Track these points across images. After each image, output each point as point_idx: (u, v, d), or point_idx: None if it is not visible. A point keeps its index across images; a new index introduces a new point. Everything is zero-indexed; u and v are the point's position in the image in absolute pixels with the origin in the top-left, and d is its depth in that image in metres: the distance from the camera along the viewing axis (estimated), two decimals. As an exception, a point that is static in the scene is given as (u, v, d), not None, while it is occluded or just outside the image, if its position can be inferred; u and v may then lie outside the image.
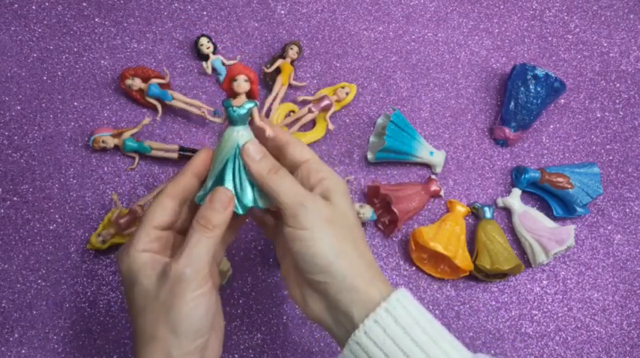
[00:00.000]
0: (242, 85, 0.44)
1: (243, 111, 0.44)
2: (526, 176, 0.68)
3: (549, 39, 0.78)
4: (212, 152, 0.46)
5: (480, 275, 0.65)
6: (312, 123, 0.71)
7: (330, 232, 0.41)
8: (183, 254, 0.41)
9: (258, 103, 0.45)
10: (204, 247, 0.41)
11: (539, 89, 0.69)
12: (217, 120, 0.66)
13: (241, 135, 0.44)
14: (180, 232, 0.46)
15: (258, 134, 0.46)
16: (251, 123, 0.45)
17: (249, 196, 0.44)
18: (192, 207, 0.46)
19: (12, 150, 0.67)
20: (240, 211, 0.44)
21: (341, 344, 0.42)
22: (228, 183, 0.44)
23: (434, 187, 0.68)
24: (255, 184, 0.44)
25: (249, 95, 0.46)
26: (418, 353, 0.38)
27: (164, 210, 0.44)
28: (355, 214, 0.45)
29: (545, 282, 0.68)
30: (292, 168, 0.46)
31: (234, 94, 0.45)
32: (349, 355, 0.40)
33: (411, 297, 0.42)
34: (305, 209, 0.41)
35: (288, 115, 0.71)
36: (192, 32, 0.74)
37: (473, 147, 0.72)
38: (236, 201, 0.44)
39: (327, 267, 0.41)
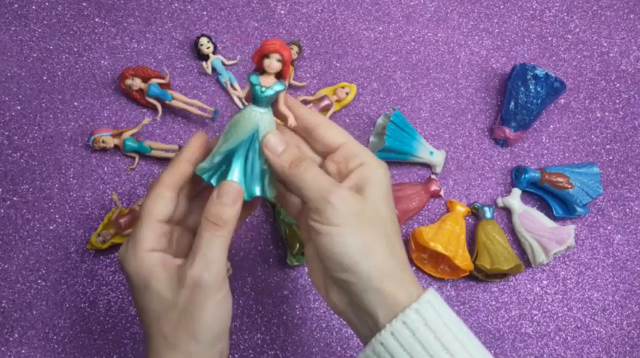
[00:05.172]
0: (274, 64, 0.41)
1: (271, 92, 0.41)
2: (526, 176, 0.68)
3: (549, 39, 0.78)
4: (205, 137, 0.43)
5: (480, 275, 0.65)
6: (312, 123, 0.71)
7: (357, 229, 0.38)
8: (197, 257, 0.38)
9: (286, 86, 0.42)
10: (217, 247, 0.39)
11: (539, 89, 0.69)
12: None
13: (264, 120, 0.41)
14: (179, 224, 0.44)
15: (280, 117, 0.43)
16: (274, 105, 0.42)
17: (258, 184, 0.42)
18: (189, 195, 0.44)
19: (12, 150, 0.67)
20: (246, 198, 0.41)
21: (363, 340, 0.40)
22: (237, 165, 0.41)
23: (434, 187, 0.68)
24: (267, 172, 0.42)
25: (279, 75, 0.42)
26: None
27: (164, 201, 0.41)
28: (390, 206, 0.41)
29: (545, 282, 0.68)
30: (326, 153, 0.42)
31: (262, 71, 0.41)
32: (371, 355, 0.37)
33: (441, 299, 0.38)
34: (330, 204, 0.38)
35: (288, 115, 0.70)
36: (192, 32, 0.74)
37: (473, 147, 0.72)
38: (243, 187, 0.41)
39: (352, 266, 0.37)
